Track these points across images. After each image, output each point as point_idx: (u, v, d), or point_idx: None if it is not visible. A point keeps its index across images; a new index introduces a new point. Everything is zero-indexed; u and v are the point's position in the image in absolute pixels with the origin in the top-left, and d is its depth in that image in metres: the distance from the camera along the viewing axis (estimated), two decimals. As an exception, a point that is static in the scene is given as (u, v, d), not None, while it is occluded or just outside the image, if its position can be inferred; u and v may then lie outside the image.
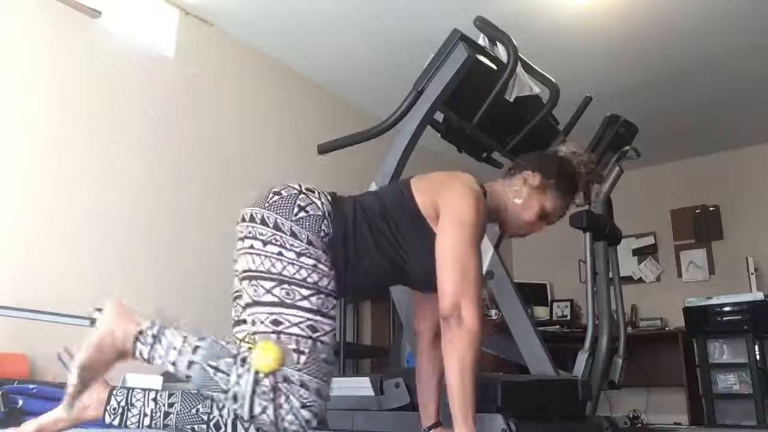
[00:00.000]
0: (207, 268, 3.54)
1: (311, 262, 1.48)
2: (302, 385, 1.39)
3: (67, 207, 3.17)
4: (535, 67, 2.89)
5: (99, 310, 2.69)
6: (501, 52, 2.69)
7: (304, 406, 1.38)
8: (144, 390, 1.53)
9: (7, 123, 3.03)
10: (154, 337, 1.45)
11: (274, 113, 4.40)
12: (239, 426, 1.46)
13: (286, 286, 1.45)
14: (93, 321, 2.64)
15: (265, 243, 1.49)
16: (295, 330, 1.42)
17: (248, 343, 1.54)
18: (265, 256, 1.48)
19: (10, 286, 2.83)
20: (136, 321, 1.48)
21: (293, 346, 1.41)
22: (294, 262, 1.47)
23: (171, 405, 1.49)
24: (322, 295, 1.47)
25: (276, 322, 1.43)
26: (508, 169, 1.81)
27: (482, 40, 2.72)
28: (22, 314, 2.58)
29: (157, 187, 3.57)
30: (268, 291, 1.46)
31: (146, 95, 3.63)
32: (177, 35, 3.82)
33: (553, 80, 2.90)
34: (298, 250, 1.48)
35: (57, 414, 1.49)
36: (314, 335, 1.43)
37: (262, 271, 1.47)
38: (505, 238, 2.46)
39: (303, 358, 1.41)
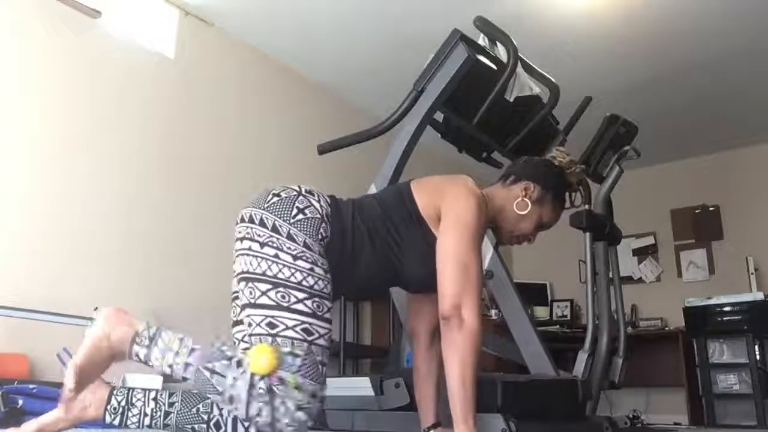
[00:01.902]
0: (207, 268, 3.54)
1: (307, 265, 1.48)
2: (297, 387, 1.40)
3: (68, 207, 3.17)
4: (535, 67, 2.89)
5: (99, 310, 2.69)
6: (501, 52, 2.69)
7: (299, 408, 1.39)
8: (144, 390, 1.53)
9: (7, 123, 3.03)
10: (151, 339, 1.45)
11: (274, 113, 4.40)
12: (239, 425, 1.46)
13: (281, 289, 1.45)
14: (93, 321, 2.64)
15: (262, 245, 1.49)
16: (290, 333, 1.43)
17: (246, 343, 1.54)
18: (262, 258, 1.48)
19: (10, 286, 2.83)
20: (132, 323, 1.48)
21: (288, 349, 1.41)
22: (290, 265, 1.47)
23: (171, 404, 1.49)
24: (317, 299, 1.47)
25: (271, 325, 1.44)
26: (504, 176, 1.82)
27: (482, 40, 2.72)
28: (22, 314, 2.58)
29: (157, 187, 3.57)
30: (264, 293, 1.46)
31: (146, 95, 3.63)
32: (177, 35, 3.82)
33: (553, 80, 2.90)
34: (294, 253, 1.48)
35: (57, 414, 1.49)
36: (309, 338, 1.43)
37: (258, 274, 1.47)
38: (500, 245, 2.47)
39: (298, 361, 1.41)
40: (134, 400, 1.50)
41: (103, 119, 3.40)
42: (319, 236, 1.52)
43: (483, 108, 2.62)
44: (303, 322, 1.44)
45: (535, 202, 1.74)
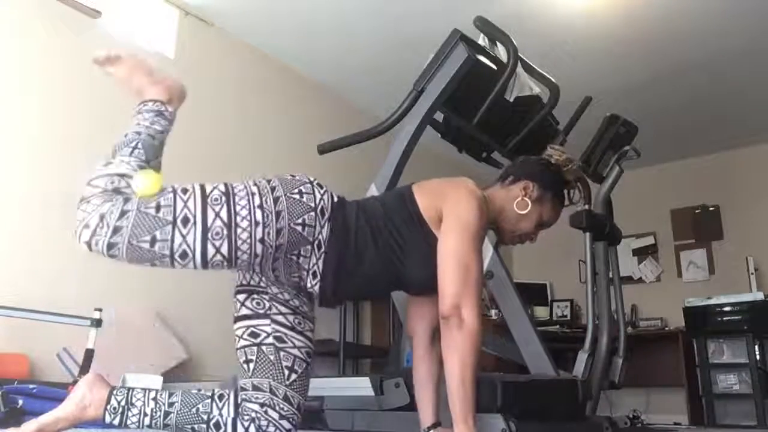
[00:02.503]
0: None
1: (259, 217, 1.49)
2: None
3: (67, 207, 3.17)
4: (535, 67, 2.89)
5: (99, 310, 2.70)
6: (501, 52, 2.69)
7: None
8: (144, 390, 1.54)
9: (7, 123, 3.03)
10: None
11: (274, 113, 4.40)
12: (239, 425, 1.47)
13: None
14: (93, 321, 2.65)
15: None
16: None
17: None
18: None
19: (10, 286, 2.83)
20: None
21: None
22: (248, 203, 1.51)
23: (171, 404, 1.50)
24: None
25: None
26: (502, 176, 1.82)
27: (482, 40, 2.72)
28: (22, 314, 2.58)
29: (157, 187, 3.56)
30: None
31: (146, 95, 3.63)
32: (177, 35, 3.82)
33: (553, 80, 2.90)
34: (265, 206, 1.51)
35: (57, 414, 1.49)
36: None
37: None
38: (500, 246, 2.47)
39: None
40: (134, 400, 1.50)
41: (103, 119, 3.40)
42: (300, 220, 1.51)
43: (483, 108, 2.62)
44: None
45: (535, 201, 1.74)
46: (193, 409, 1.49)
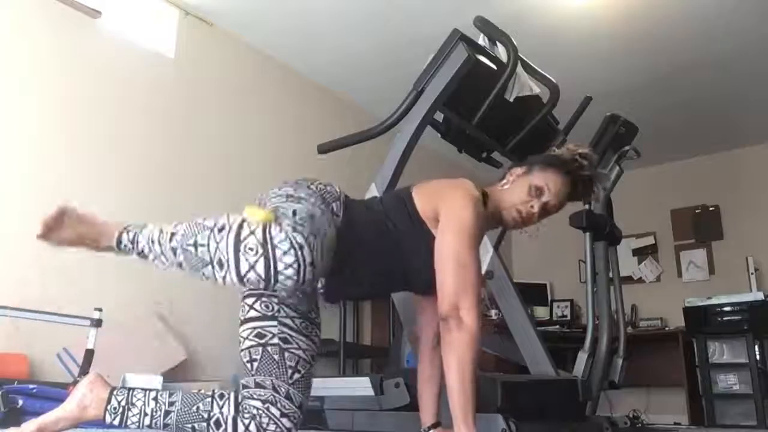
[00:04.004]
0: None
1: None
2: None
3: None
4: (535, 67, 2.89)
5: (99, 310, 2.70)
6: (501, 52, 2.69)
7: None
8: (144, 390, 1.53)
9: (7, 123, 3.03)
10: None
11: (274, 113, 4.40)
12: (239, 423, 1.46)
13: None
14: (93, 321, 2.64)
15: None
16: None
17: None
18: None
19: (10, 286, 2.83)
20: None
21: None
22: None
23: (171, 404, 1.50)
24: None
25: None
26: (502, 175, 1.83)
27: (482, 40, 2.72)
28: (22, 314, 2.58)
29: (157, 188, 3.56)
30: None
31: (146, 95, 3.63)
32: (177, 35, 3.82)
33: (553, 80, 2.90)
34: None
35: (57, 414, 1.49)
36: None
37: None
38: (507, 236, 2.46)
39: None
40: (134, 400, 1.50)
41: (102, 119, 3.40)
42: (331, 208, 1.58)
43: (483, 108, 2.62)
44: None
45: (520, 176, 1.74)
46: (194, 408, 1.49)
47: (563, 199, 1.74)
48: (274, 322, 1.56)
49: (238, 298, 1.61)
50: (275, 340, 1.53)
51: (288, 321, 1.57)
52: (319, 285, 1.56)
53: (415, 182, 1.74)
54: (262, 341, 1.54)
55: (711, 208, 5.75)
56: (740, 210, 5.60)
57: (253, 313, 1.58)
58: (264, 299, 1.57)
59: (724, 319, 4.63)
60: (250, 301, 1.60)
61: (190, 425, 1.48)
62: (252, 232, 1.36)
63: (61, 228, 1.52)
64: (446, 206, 1.59)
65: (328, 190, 1.62)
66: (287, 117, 4.47)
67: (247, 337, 1.58)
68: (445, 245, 1.55)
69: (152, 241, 1.50)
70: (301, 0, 3.81)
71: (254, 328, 1.56)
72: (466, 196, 1.60)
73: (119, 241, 1.53)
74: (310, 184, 1.61)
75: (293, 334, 1.56)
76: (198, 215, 1.50)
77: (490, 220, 1.73)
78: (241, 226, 1.38)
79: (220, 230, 1.40)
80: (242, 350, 1.56)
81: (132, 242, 1.52)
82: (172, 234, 1.48)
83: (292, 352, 1.53)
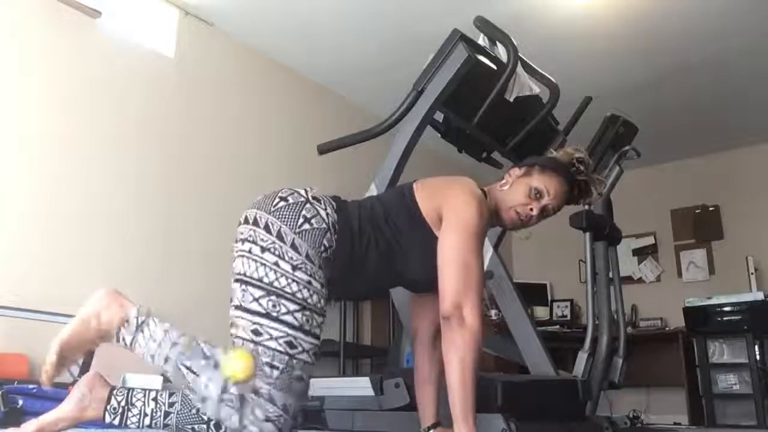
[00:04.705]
0: (207, 269, 3.54)
1: (305, 277, 1.47)
2: (270, 399, 1.40)
3: (67, 207, 3.17)
4: (535, 67, 2.89)
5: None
6: (501, 52, 2.69)
7: (267, 420, 1.39)
8: (144, 390, 1.53)
9: (8, 123, 3.03)
10: (138, 326, 1.45)
11: (274, 113, 4.40)
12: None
13: (274, 297, 1.45)
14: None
15: (263, 249, 1.48)
16: (272, 344, 1.42)
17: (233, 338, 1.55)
18: (261, 264, 1.47)
19: (10, 286, 2.83)
20: (124, 306, 1.48)
21: (268, 359, 1.41)
22: (288, 274, 1.46)
23: (171, 405, 1.50)
24: (308, 312, 1.46)
25: (256, 333, 1.44)
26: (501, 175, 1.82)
27: (482, 40, 2.72)
28: (22, 314, 2.58)
29: (157, 187, 3.57)
30: (256, 300, 1.45)
31: (146, 95, 3.63)
32: (177, 35, 3.82)
33: (553, 80, 2.90)
34: (295, 263, 1.47)
35: (57, 414, 1.49)
36: (291, 352, 1.43)
37: (254, 278, 1.47)
38: (507, 236, 2.46)
39: (276, 373, 1.41)
40: (134, 400, 1.50)
41: (102, 119, 3.40)
42: (323, 247, 1.52)
43: (483, 108, 2.62)
44: (288, 335, 1.43)
45: (519, 177, 1.73)
46: (194, 410, 1.49)
47: (561, 201, 1.74)
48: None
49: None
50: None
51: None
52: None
53: (417, 178, 1.74)
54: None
55: (711, 208, 5.75)
56: (740, 210, 5.59)
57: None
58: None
59: (724, 319, 4.63)
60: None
61: (190, 426, 1.48)
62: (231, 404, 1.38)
63: (65, 363, 1.48)
64: (449, 205, 1.58)
65: (319, 227, 1.52)
66: (287, 117, 4.47)
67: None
68: (449, 245, 1.54)
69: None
70: (301, 0, 3.81)
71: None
72: (470, 195, 1.59)
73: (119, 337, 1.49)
74: (302, 222, 1.52)
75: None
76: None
77: (490, 219, 1.73)
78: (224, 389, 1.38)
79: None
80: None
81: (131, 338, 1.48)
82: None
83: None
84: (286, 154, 4.31)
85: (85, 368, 2.49)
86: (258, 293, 1.45)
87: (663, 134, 5.24)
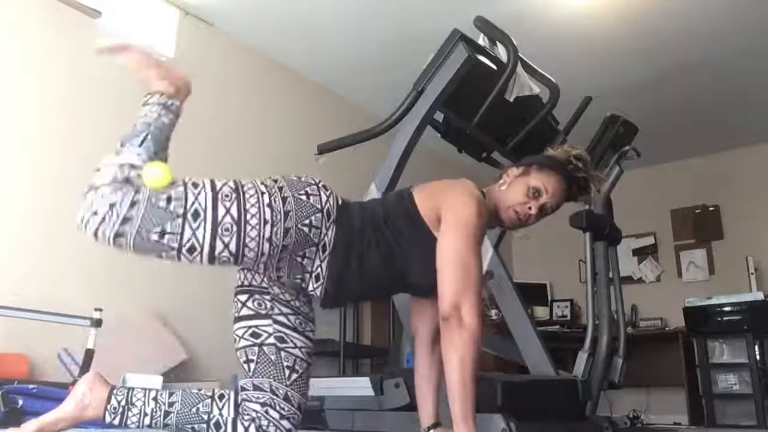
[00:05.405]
0: (207, 268, 3.53)
1: (269, 216, 1.49)
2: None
3: (68, 207, 3.16)
4: (535, 67, 2.90)
5: (99, 310, 2.70)
6: (501, 52, 2.69)
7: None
8: (144, 389, 1.54)
9: (8, 123, 3.03)
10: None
11: (275, 113, 4.40)
12: (239, 425, 1.47)
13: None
14: (93, 321, 2.64)
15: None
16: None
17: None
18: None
19: (10, 286, 2.83)
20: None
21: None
22: (261, 207, 1.50)
23: (171, 404, 1.50)
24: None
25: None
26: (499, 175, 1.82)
27: (482, 40, 2.72)
28: (22, 314, 2.58)
29: (157, 187, 3.56)
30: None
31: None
32: (177, 35, 3.82)
33: (553, 80, 2.90)
34: (274, 205, 1.51)
35: (57, 414, 1.49)
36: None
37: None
38: (507, 236, 2.46)
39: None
40: (134, 399, 1.50)
41: (102, 119, 3.40)
42: (308, 221, 1.52)
43: (483, 108, 2.62)
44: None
45: (517, 177, 1.72)
46: (194, 409, 1.49)
47: (560, 200, 1.74)
48: (269, 321, 1.56)
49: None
50: (271, 340, 1.53)
51: (283, 319, 1.57)
52: (311, 287, 1.55)
53: (415, 183, 1.74)
54: (258, 341, 1.54)
55: (711, 208, 5.75)
56: (740, 210, 5.59)
57: (246, 311, 1.58)
58: (256, 296, 1.57)
59: (724, 319, 4.63)
60: (242, 298, 1.60)
61: (190, 426, 1.49)
62: None
63: None
64: (448, 206, 1.58)
65: (313, 204, 1.54)
66: (287, 117, 4.47)
67: (242, 336, 1.58)
68: (447, 245, 1.54)
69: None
70: (301, 0, 3.81)
71: (249, 326, 1.56)
72: (468, 196, 1.59)
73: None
74: (303, 194, 1.56)
75: (289, 332, 1.56)
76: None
77: (489, 220, 1.73)
78: None
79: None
80: (238, 350, 1.56)
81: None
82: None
83: (288, 352, 1.53)
84: (286, 154, 4.30)
85: (85, 368, 2.50)
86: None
87: (663, 134, 5.24)
